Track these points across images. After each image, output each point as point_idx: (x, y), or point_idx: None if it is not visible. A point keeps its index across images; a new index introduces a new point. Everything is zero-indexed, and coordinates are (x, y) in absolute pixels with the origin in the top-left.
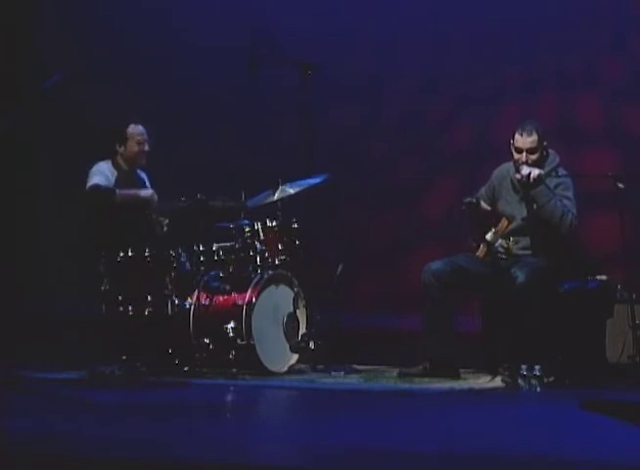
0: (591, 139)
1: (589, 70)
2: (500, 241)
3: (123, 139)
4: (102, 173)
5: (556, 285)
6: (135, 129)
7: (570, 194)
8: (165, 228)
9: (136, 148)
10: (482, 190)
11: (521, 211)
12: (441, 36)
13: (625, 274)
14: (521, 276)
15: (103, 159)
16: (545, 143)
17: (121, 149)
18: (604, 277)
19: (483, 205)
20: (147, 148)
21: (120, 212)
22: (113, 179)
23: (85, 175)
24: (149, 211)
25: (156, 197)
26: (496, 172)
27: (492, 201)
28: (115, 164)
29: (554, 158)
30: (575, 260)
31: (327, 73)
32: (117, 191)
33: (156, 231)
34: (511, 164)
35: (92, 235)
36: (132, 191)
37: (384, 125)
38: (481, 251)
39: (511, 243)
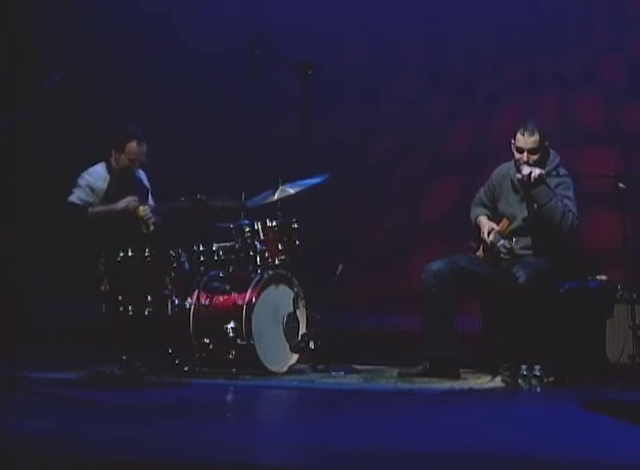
0: (591, 139)
1: (589, 70)
2: (503, 241)
3: (120, 149)
4: (88, 185)
5: (556, 285)
6: (133, 148)
7: (570, 193)
8: (152, 227)
9: (127, 162)
10: (482, 191)
11: (521, 211)
12: (441, 36)
13: (625, 274)
14: (522, 276)
15: (99, 160)
16: (546, 143)
17: (115, 155)
18: (604, 277)
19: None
20: (137, 164)
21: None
22: (104, 185)
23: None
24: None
25: (134, 203)
26: (496, 173)
27: (492, 201)
28: (109, 166)
29: (554, 157)
30: (576, 260)
31: (327, 73)
32: (90, 209)
33: (141, 230)
34: (510, 164)
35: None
36: (105, 208)
37: (383, 125)
38: (481, 251)
39: (514, 243)
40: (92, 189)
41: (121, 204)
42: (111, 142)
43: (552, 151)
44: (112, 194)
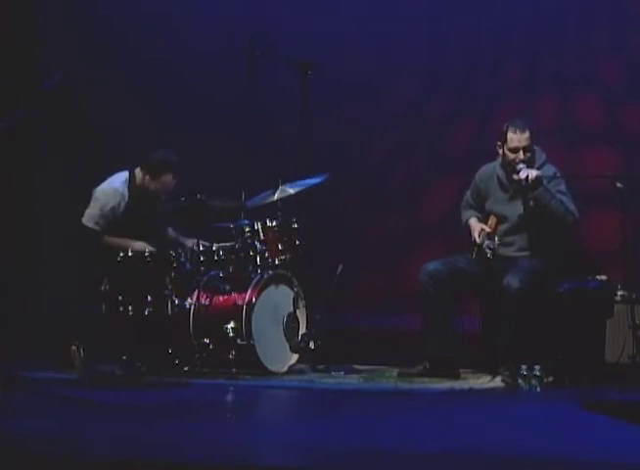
0: (591, 139)
1: (589, 70)
2: (487, 242)
3: (154, 177)
4: (106, 204)
5: (553, 287)
6: (168, 180)
7: (563, 188)
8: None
9: (154, 190)
10: (468, 194)
11: (511, 210)
12: (441, 36)
13: (625, 274)
14: (514, 283)
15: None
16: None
17: (145, 177)
18: (604, 277)
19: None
20: (163, 195)
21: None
22: (122, 205)
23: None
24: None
25: (148, 248)
26: (480, 174)
27: (479, 202)
28: (132, 180)
29: (540, 154)
30: (576, 260)
31: (327, 73)
32: (105, 239)
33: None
34: (495, 163)
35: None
36: (120, 243)
37: (383, 125)
38: (475, 251)
39: (496, 242)
40: (110, 210)
41: (137, 246)
42: (146, 166)
43: (536, 147)
44: (131, 211)
